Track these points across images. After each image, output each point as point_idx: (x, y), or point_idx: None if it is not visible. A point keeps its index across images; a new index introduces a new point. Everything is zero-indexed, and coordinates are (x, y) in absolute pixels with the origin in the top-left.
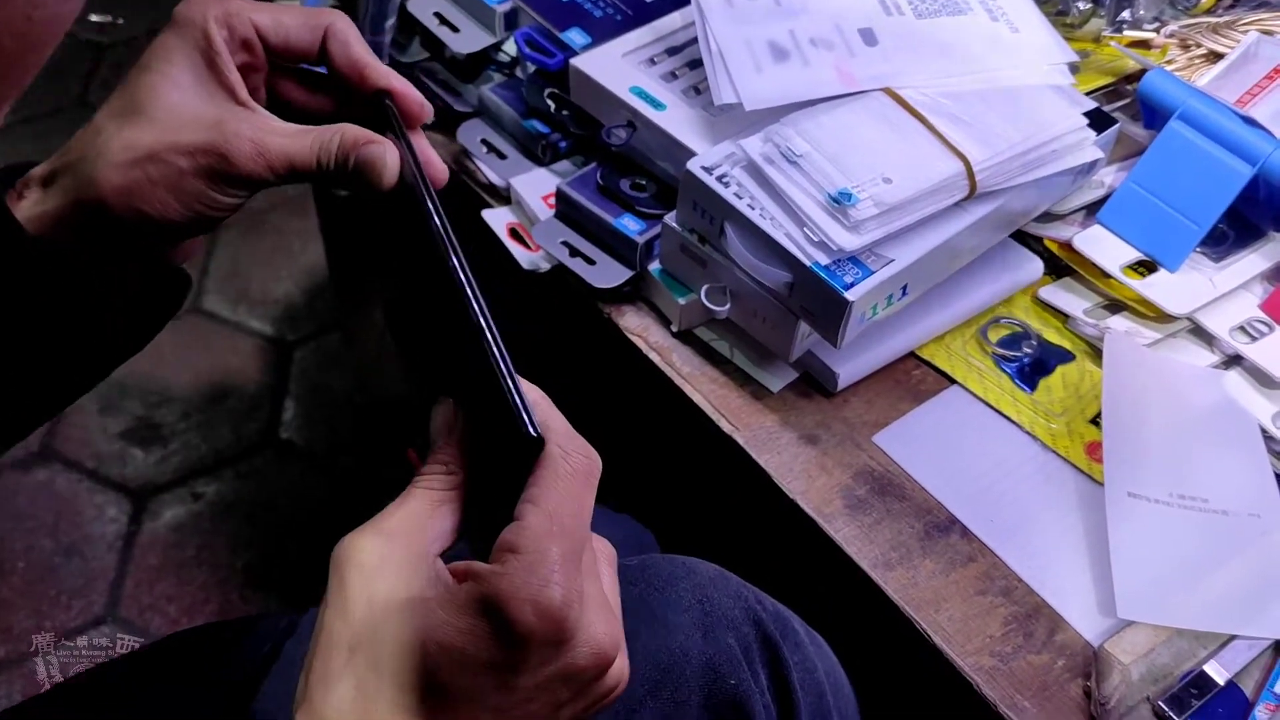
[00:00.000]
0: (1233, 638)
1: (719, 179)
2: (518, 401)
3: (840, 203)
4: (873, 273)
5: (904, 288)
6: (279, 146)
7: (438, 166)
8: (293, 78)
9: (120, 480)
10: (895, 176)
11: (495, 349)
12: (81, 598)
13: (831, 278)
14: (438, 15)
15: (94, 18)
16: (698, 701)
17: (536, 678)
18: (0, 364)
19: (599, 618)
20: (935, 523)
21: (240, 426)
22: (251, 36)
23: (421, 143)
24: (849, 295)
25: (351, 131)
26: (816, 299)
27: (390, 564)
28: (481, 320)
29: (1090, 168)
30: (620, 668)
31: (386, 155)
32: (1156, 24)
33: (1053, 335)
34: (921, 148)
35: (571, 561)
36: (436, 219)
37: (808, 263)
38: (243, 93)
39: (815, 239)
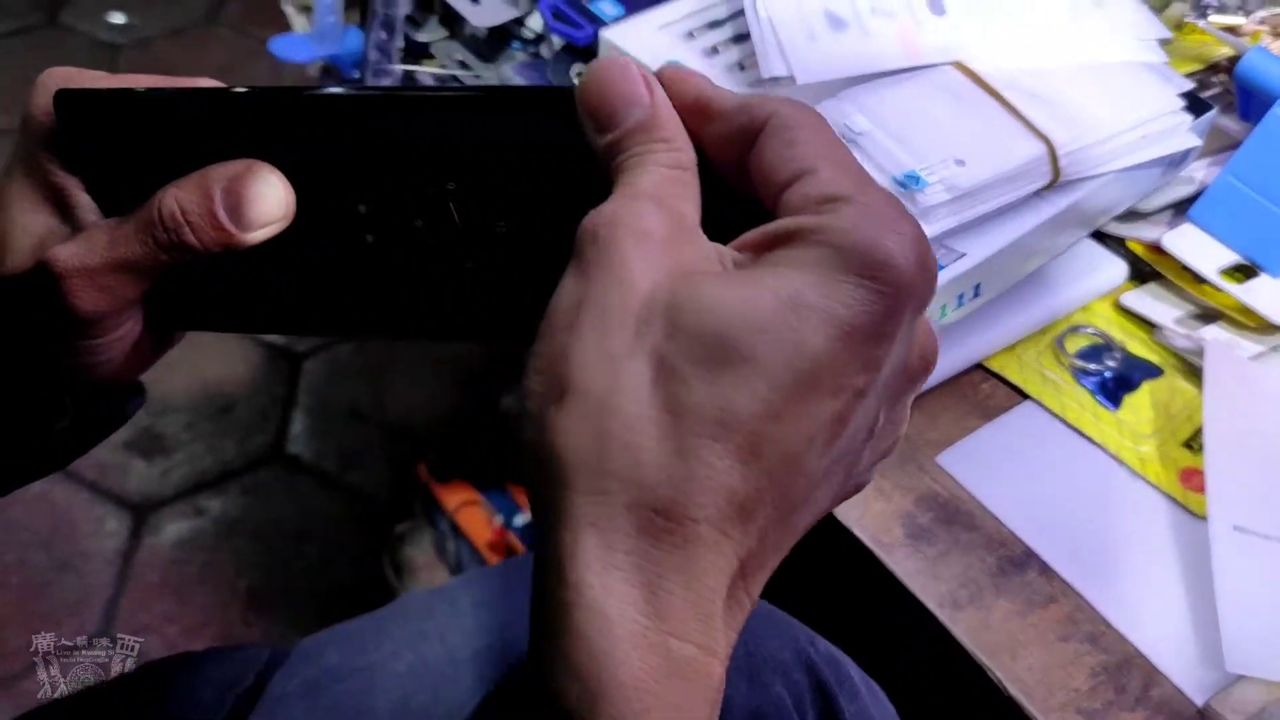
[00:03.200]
0: None
1: None
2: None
3: (907, 187)
4: (943, 268)
5: (976, 287)
6: (102, 253)
7: None
8: None
9: (121, 493)
10: (969, 159)
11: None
12: (75, 615)
13: None
14: None
15: (111, 19)
16: None
17: (900, 345)
18: None
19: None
20: (1009, 557)
21: (246, 439)
22: None
23: None
24: None
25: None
26: None
27: (672, 229)
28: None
29: (1183, 158)
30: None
31: (264, 177)
32: (1242, 9)
33: (1137, 347)
34: (998, 128)
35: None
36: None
37: None
38: (73, 197)
39: None
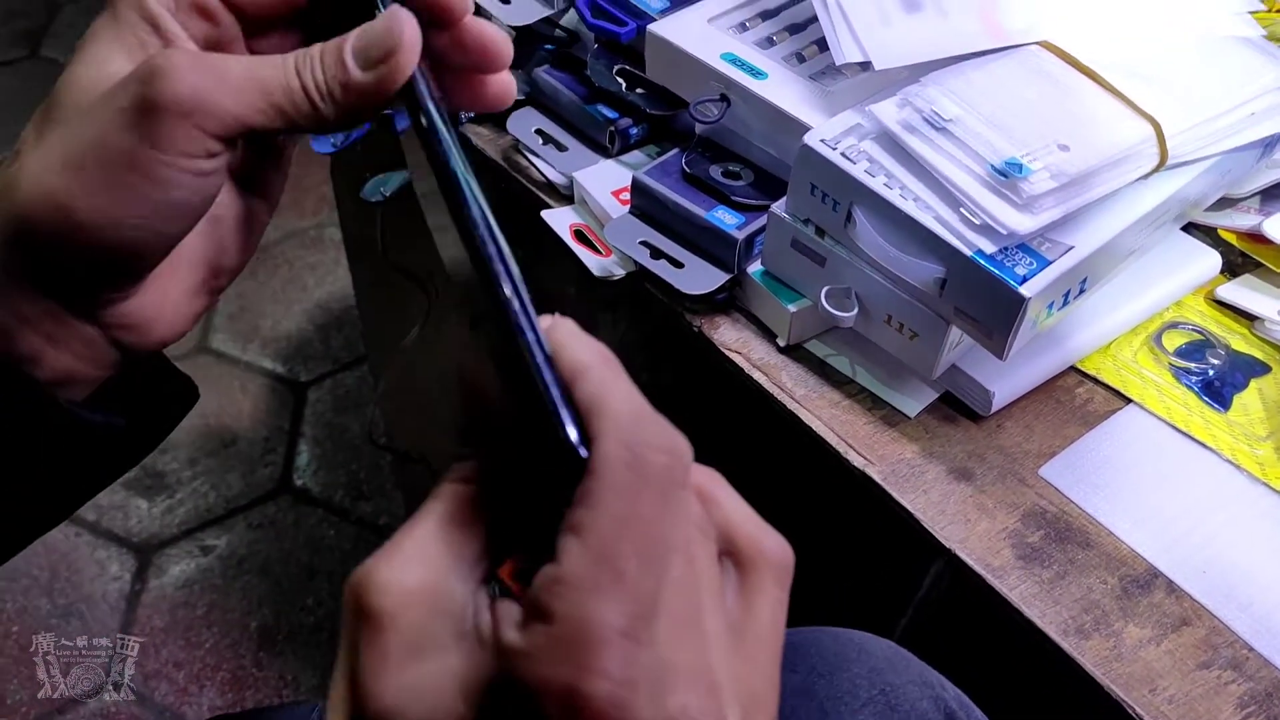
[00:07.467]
0: None
1: (843, 155)
2: (551, 391)
3: (1009, 175)
4: (1050, 262)
5: (1082, 283)
6: (242, 70)
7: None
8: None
9: (123, 534)
10: (1072, 143)
11: (515, 304)
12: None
13: (1001, 270)
14: None
15: None
16: None
17: None
18: None
19: (694, 693)
20: (1132, 576)
21: (251, 473)
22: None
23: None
24: (1024, 290)
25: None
26: (979, 297)
27: (411, 608)
28: (492, 248)
29: (1277, 140)
30: None
31: (405, 28)
32: None
33: (1238, 343)
34: (1098, 109)
35: (635, 626)
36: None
37: (968, 252)
38: (175, 35)
39: (977, 222)
